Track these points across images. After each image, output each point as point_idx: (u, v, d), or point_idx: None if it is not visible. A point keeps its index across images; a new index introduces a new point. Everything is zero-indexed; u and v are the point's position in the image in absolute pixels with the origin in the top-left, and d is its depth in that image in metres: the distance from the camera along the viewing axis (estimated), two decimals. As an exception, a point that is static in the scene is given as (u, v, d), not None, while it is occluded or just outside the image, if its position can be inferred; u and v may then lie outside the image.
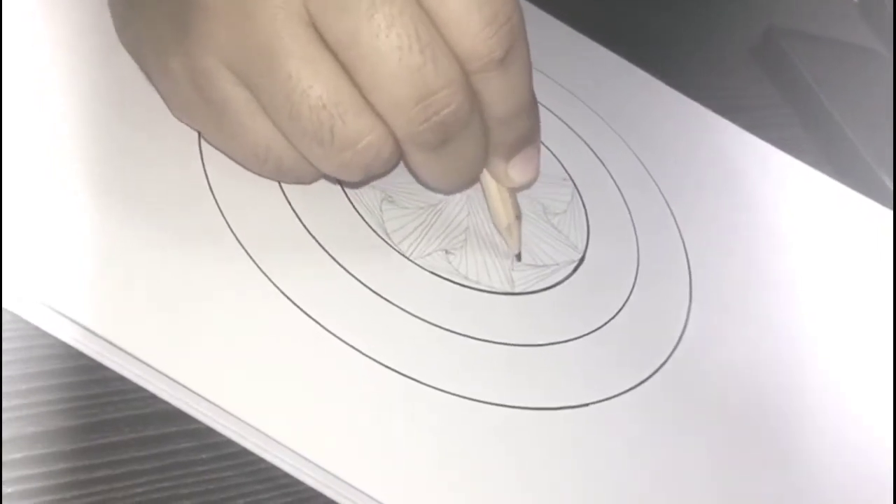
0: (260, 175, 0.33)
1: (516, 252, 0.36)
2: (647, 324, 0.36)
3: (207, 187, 0.32)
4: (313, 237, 0.33)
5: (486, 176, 0.34)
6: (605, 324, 0.35)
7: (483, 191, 0.36)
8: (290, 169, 0.32)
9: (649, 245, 0.40)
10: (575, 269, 0.37)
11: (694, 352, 0.36)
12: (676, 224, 0.41)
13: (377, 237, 0.34)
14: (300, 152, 0.30)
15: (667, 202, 0.42)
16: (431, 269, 0.34)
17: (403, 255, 0.34)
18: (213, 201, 0.32)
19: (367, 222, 0.35)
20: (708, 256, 0.40)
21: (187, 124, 0.33)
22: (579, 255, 0.38)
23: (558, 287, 0.36)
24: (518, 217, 0.35)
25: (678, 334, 0.37)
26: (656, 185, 0.43)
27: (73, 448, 0.25)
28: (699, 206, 0.43)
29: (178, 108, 0.32)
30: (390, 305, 0.32)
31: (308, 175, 0.33)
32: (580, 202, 0.40)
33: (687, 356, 0.36)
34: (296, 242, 0.32)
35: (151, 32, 0.31)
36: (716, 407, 0.35)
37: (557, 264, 0.37)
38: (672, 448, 0.33)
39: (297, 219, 0.33)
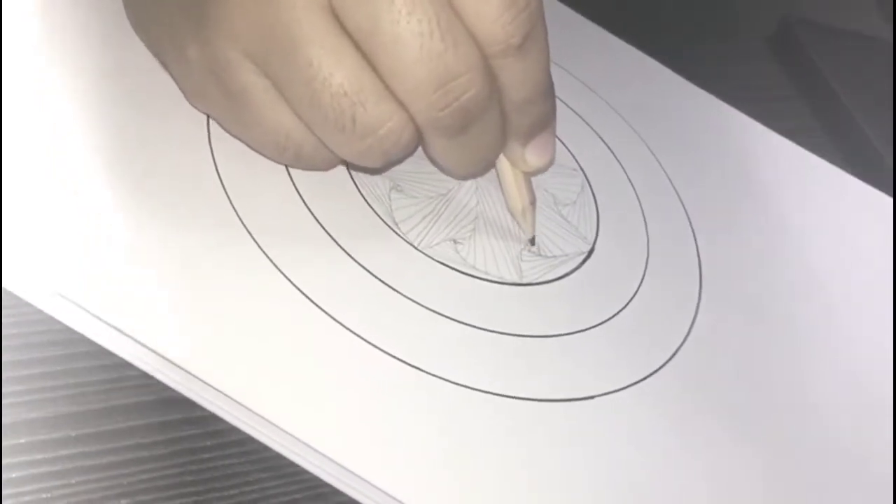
0: (278, 162, 0.33)
1: (531, 237, 0.36)
2: (655, 316, 0.36)
3: (216, 175, 0.32)
4: (321, 225, 0.33)
5: (501, 160, 0.34)
6: (614, 316, 0.35)
7: (498, 176, 0.35)
8: (310, 156, 0.32)
9: (659, 237, 0.39)
10: (584, 261, 0.37)
11: (702, 345, 0.36)
12: (687, 216, 0.41)
13: (385, 226, 0.34)
14: (320, 139, 0.30)
15: (677, 193, 0.42)
16: (439, 259, 0.34)
17: (411, 245, 0.34)
18: (222, 188, 0.32)
19: (375, 211, 0.34)
20: (718, 249, 0.40)
21: (204, 112, 0.33)
22: (589, 247, 0.38)
23: (567, 278, 0.36)
24: (533, 202, 0.35)
25: (687, 327, 0.36)
26: (667, 175, 0.42)
27: (78, 434, 0.25)
28: (710, 197, 0.43)
29: (195, 96, 0.32)
30: (397, 294, 0.32)
31: (327, 162, 0.32)
32: (590, 193, 0.40)
33: (695, 350, 0.36)
34: (303, 230, 0.32)
35: (167, 20, 0.31)
36: (723, 401, 0.35)
37: (566, 255, 0.37)
38: (678, 442, 0.32)
39: (304, 206, 0.33)
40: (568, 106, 0.43)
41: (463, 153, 0.32)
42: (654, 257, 0.38)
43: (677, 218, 0.41)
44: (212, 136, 0.33)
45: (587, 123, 0.43)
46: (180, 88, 0.33)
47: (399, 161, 0.35)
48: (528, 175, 0.35)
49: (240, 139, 0.33)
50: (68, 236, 0.28)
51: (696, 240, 0.40)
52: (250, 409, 0.26)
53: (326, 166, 0.33)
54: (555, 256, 0.36)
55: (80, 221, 0.28)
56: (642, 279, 0.37)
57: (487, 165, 0.34)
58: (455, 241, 0.35)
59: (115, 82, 0.33)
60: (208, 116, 0.33)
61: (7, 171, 0.28)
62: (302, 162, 0.32)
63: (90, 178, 0.30)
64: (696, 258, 0.39)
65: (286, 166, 0.34)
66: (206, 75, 0.30)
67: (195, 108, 0.33)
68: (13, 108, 0.30)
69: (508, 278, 0.35)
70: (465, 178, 0.37)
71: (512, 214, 0.36)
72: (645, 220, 0.40)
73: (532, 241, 0.36)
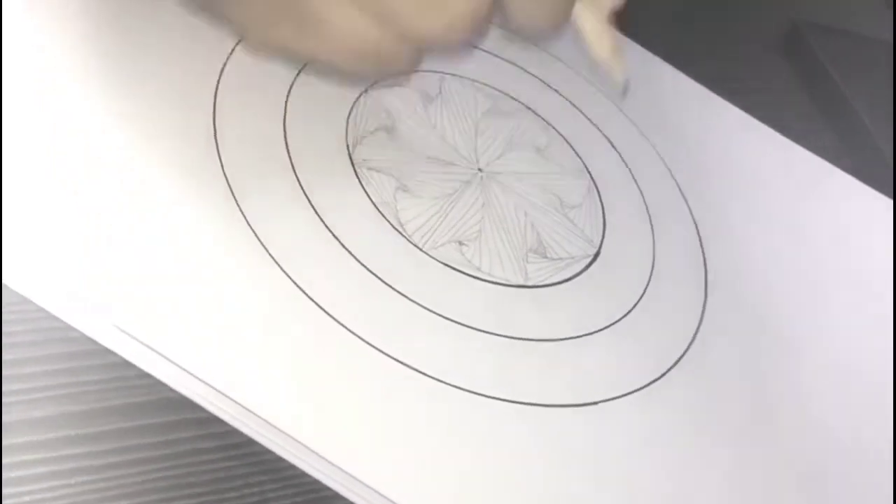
0: (358, 75, 0.32)
1: (624, 79, 0.35)
2: (660, 321, 0.36)
3: (220, 169, 0.32)
4: (324, 223, 0.32)
5: (579, 9, 0.33)
6: (619, 320, 0.35)
7: (578, 28, 0.34)
8: (390, 55, 0.31)
9: (665, 240, 0.39)
10: (590, 264, 0.37)
11: (708, 351, 0.36)
12: (693, 220, 0.41)
13: (389, 226, 0.34)
14: (401, 27, 0.30)
15: (684, 196, 0.42)
16: (444, 261, 0.34)
17: (416, 246, 0.34)
18: (227, 186, 0.32)
19: (379, 210, 0.34)
20: (724, 253, 0.40)
21: (269, 48, 0.32)
22: (595, 250, 0.37)
23: (572, 281, 0.36)
24: (619, 44, 0.34)
25: (692, 333, 0.36)
26: (674, 178, 0.42)
27: (78, 434, 0.25)
28: (717, 201, 0.42)
29: (263, 27, 0.31)
30: (399, 296, 0.32)
31: (408, 59, 0.31)
32: (596, 195, 0.40)
33: (701, 355, 0.35)
34: (306, 229, 0.32)
35: None
36: (729, 408, 0.34)
37: (572, 258, 0.36)
38: (683, 448, 0.32)
39: (309, 204, 0.33)
40: (575, 106, 0.43)
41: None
42: (660, 261, 0.38)
43: (684, 222, 0.41)
44: (217, 130, 0.33)
45: (595, 125, 0.43)
46: (241, 30, 0.32)
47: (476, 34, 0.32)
48: (609, 14, 0.34)
49: (316, 60, 0.32)
50: (68, 236, 0.28)
51: (702, 244, 0.40)
52: (252, 412, 0.26)
53: (408, 66, 0.32)
54: (560, 259, 0.36)
55: (80, 221, 0.28)
56: (648, 283, 0.37)
57: (569, 10, 0.33)
58: (460, 243, 0.35)
59: (116, 81, 0.33)
60: (214, 109, 0.33)
61: (7, 171, 0.28)
62: (382, 64, 0.31)
63: (90, 178, 0.29)
64: (702, 262, 0.39)
65: (291, 163, 0.33)
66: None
67: (259, 48, 0.32)
68: (13, 108, 0.30)
69: (514, 280, 0.35)
70: (547, 28, 0.33)
71: (599, 62, 0.35)
72: (651, 223, 0.40)
73: (624, 89, 0.35)
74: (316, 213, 0.33)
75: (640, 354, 0.34)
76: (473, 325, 0.32)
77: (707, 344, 0.36)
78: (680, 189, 0.42)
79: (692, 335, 0.36)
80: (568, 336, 0.33)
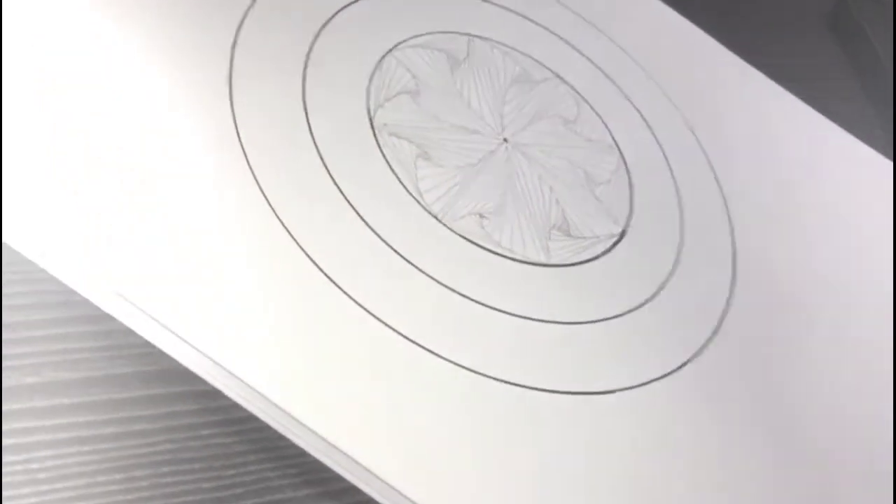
0: None
1: None
2: (686, 306, 0.35)
3: (235, 132, 0.31)
4: (339, 189, 0.31)
5: None
6: (641, 305, 0.34)
7: None
8: None
9: (694, 223, 0.38)
10: (615, 244, 0.35)
11: (732, 341, 0.34)
12: (725, 203, 0.39)
13: (408, 195, 0.33)
14: None
15: (716, 176, 0.40)
16: (462, 234, 0.33)
17: (434, 216, 0.33)
18: (240, 146, 0.30)
19: (398, 178, 0.33)
20: (755, 240, 0.38)
21: None
22: (620, 229, 0.36)
23: (595, 262, 0.34)
24: None
25: (717, 321, 0.35)
26: (706, 156, 0.41)
27: (74, 402, 0.24)
28: (749, 181, 0.41)
29: None
30: (415, 270, 0.31)
31: None
32: (625, 172, 0.38)
33: (724, 345, 0.34)
34: (320, 195, 0.31)
35: None
36: (751, 401, 0.33)
37: (597, 237, 0.35)
38: (704, 439, 0.31)
39: (324, 169, 0.31)
40: (607, 76, 0.41)
41: None
42: (688, 244, 0.37)
43: (714, 205, 0.39)
44: (233, 88, 0.32)
45: (627, 97, 0.41)
46: None
47: None
48: None
49: None
50: (74, 197, 0.27)
51: (732, 228, 0.38)
52: (254, 388, 0.25)
53: None
54: (584, 238, 0.35)
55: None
56: (673, 266, 0.36)
57: None
58: (481, 216, 0.34)
59: (132, 34, 0.31)
60: (231, 67, 0.32)
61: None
62: None
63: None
64: (731, 248, 0.38)
65: (308, 124, 0.32)
66: None
67: None
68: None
69: (534, 258, 0.33)
70: None
71: None
72: (680, 204, 0.38)
73: None
74: (331, 178, 0.31)
75: (660, 343, 0.33)
76: (490, 304, 0.31)
77: (730, 335, 0.35)
78: (712, 168, 0.40)
79: (716, 325, 0.35)
80: (586, 320, 0.32)
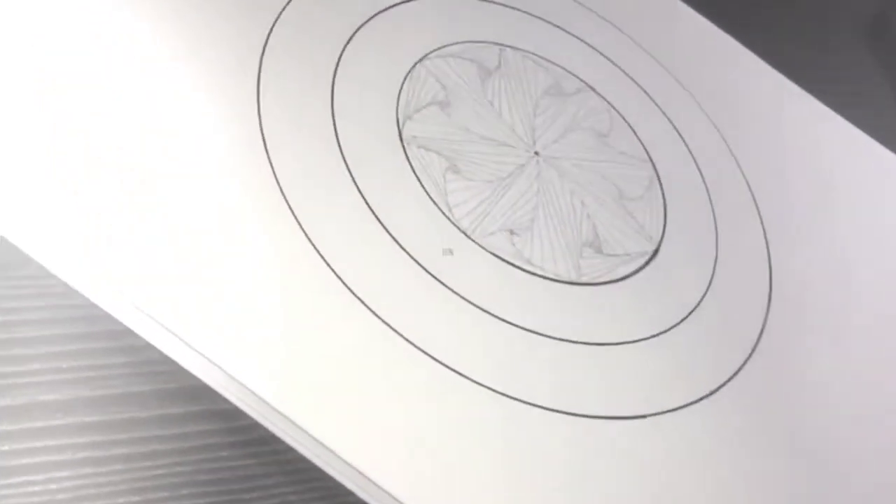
0: None
1: None
2: (720, 328, 0.33)
3: (261, 141, 0.30)
4: (367, 203, 0.30)
5: None
6: (673, 327, 0.33)
7: None
8: None
9: (729, 241, 0.37)
10: (647, 262, 0.34)
11: (769, 363, 0.33)
12: (761, 219, 0.38)
13: (436, 209, 0.32)
14: None
15: (752, 194, 0.39)
16: (493, 251, 0.32)
17: (463, 232, 0.32)
18: (267, 158, 0.30)
19: (427, 192, 0.32)
20: (792, 258, 0.37)
21: None
22: (653, 247, 0.35)
23: (627, 280, 0.33)
24: None
25: (752, 343, 0.34)
26: (742, 174, 0.39)
27: (94, 420, 0.24)
28: (787, 201, 0.40)
29: None
30: (442, 287, 0.30)
31: None
32: (658, 187, 0.37)
33: (761, 368, 0.33)
34: (348, 209, 0.30)
35: None
36: (789, 425, 0.32)
37: (629, 255, 0.34)
38: (739, 464, 0.30)
39: (352, 183, 0.31)
40: (642, 89, 0.40)
41: None
42: (722, 264, 0.36)
43: (750, 222, 0.38)
44: (261, 94, 0.31)
45: (662, 111, 0.40)
46: None
47: None
48: None
49: None
50: (92, 205, 0.26)
51: (768, 246, 0.37)
52: (274, 407, 0.24)
53: None
54: (616, 255, 0.34)
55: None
56: (708, 287, 0.35)
57: None
58: (512, 232, 0.33)
59: (166, 29, 0.31)
60: (259, 73, 0.31)
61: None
62: None
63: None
64: (768, 267, 0.36)
65: (336, 135, 0.31)
66: None
67: None
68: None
69: (565, 276, 0.32)
70: None
71: None
72: (715, 221, 0.37)
73: None
74: (359, 192, 0.31)
75: (693, 365, 0.32)
76: (520, 324, 0.30)
77: (767, 357, 0.33)
78: (749, 186, 0.39)
79: (751, 347, 0.33)
80: (619, 341, 0.31)
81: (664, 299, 0.33)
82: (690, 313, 0.33)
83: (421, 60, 0.36)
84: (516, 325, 0.30)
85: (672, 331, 0.33)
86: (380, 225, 0.30)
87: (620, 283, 0.33)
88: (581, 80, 0.39)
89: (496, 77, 0.37)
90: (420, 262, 0.30)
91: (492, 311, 0.30)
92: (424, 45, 0.37)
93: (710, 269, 0.35)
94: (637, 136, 0.38)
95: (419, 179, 0.32)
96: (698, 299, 0.34)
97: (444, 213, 0.32)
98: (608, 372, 0.30)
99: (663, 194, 0.37)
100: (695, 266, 0.35)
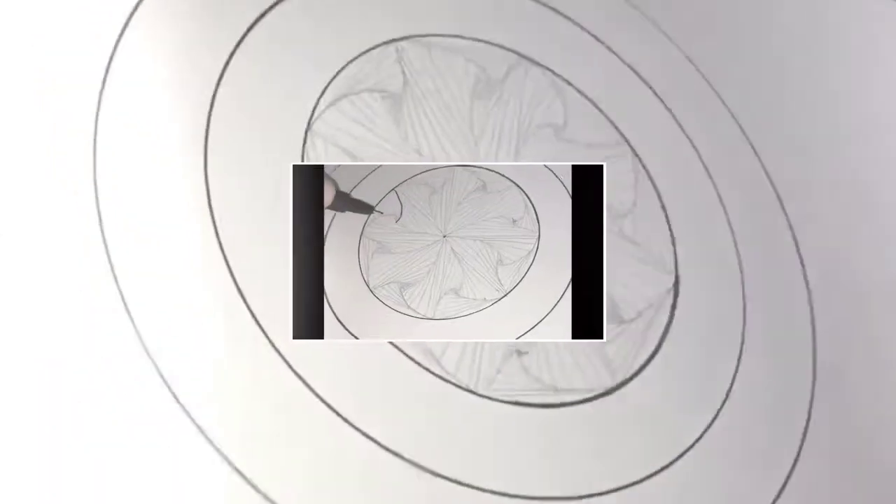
0: None
1: None
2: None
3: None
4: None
5: None
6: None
7: None
8: None
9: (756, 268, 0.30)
10: (673, 307, 0.29)
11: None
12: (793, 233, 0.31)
13: (432, 375, 0.26)
14: None
15: (781, 202, 0.31)
16: (508, 398, 0.26)
17: (468, 391, 0.26)
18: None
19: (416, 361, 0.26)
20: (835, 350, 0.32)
21: None
22: (672, 278, 0.29)
23: (657, 359, 0.28)
24: None
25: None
26: (766, 173, 0.32)
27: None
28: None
29: None
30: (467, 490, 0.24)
31: None
32: (648, 179, 0.30)
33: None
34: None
35: None
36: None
37: (651, 305, 0.28)
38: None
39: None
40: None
41: None
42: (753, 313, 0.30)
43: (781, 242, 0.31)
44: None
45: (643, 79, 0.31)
46: None
47: None
48: None
49: None
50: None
51: (806, 278, 0.31)
52: None
53: None
54: (639, 315, 0.28)
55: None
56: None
57: None
58: (519, 353, 0.27)
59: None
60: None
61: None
62: None
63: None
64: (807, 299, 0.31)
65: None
66: None
67: None
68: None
69: (598, 385, 0.27)
70: None
71: None
72: (735, 237, 0.30)
73: None
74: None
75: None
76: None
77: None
78: (776, 191, 0.32)
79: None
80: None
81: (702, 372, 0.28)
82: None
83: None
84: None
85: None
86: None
87: (650, 366, 0.28)
88: (512, 52, 0.30)
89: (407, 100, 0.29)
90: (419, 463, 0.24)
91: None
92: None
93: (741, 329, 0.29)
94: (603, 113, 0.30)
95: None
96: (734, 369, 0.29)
97: (439, 377, 0.25)
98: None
99: (661, 199, 0.30)
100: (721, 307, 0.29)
